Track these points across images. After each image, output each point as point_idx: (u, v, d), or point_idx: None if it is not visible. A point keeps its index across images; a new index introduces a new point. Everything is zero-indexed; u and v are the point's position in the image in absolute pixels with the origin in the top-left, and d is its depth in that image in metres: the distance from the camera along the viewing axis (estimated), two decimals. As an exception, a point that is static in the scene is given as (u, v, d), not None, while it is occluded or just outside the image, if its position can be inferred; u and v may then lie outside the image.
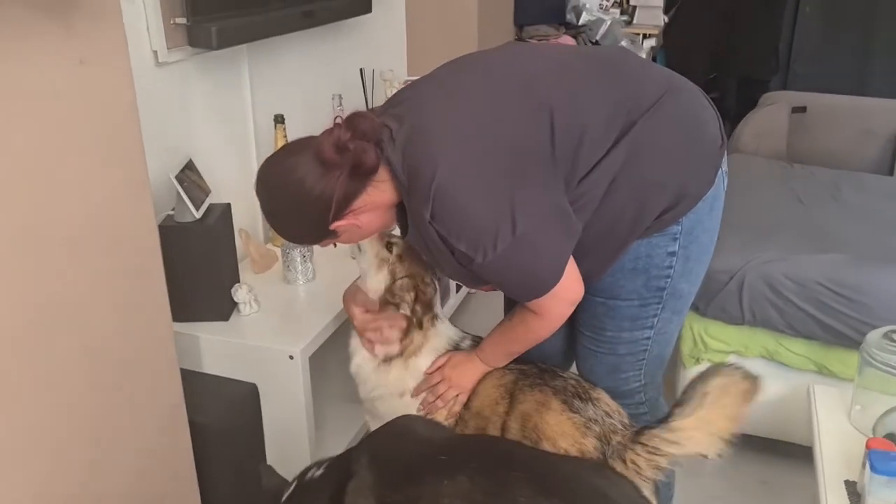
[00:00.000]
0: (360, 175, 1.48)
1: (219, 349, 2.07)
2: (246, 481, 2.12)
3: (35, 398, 1.36)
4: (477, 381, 1.74)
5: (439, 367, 1.77)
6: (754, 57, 4.89)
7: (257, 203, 2.56)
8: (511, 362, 1.76)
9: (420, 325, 1.79)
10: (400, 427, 1.52)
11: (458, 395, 1.76)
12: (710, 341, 2.35)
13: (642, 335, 1.70)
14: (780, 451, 2.47)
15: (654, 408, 1.81)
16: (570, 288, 1.52)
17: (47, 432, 1.40)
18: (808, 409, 1.81)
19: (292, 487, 1.50)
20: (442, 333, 1.84)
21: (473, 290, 2.05)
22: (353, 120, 1.49)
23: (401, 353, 1.82)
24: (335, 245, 1.64)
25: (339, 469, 1.42)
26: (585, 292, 1.57)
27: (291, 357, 1.99)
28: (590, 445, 1.57)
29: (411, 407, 1.81)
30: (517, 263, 1.47)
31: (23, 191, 1.27)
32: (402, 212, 1.57)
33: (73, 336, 1.43)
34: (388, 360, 1.83)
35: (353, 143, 1.46)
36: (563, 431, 1.63)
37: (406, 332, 1.80)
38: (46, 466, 1.41)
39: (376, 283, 1.81)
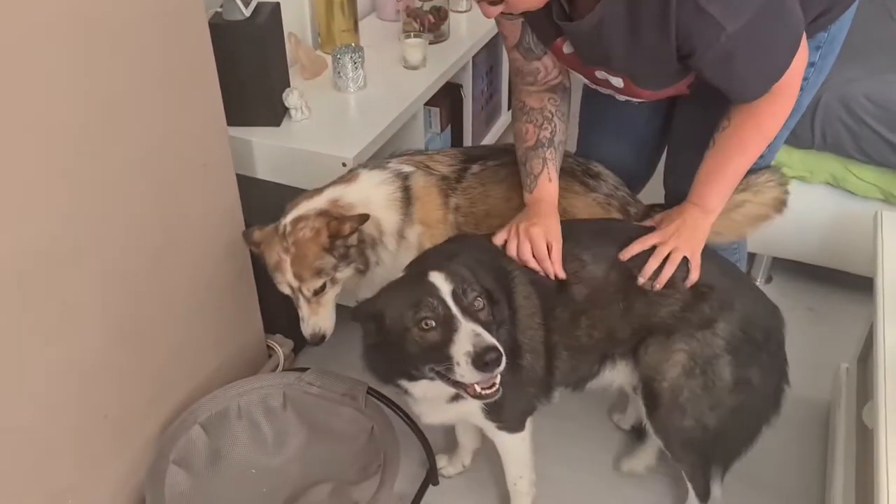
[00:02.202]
0: None
1: (272, 155, 2.06)
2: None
3: (97, 200, 1.37)
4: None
5: (659, 240, 1.48)
6: None
7: (307, 5, 2.46)
8: (500, 155, 1.74)
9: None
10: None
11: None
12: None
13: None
14: (831, 279, 2.45)
15: None
16: (802, 57, 1.37)
17: (116, 234, 1.43)
18: (872, 235, 1.75)
19: None
20: None
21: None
22: None
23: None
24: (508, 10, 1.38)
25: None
26: (712, 107, 1.50)
27: (344, 164, 1.97)
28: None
29: None
30: (765, 32, 1.29)
31: (68, -27, 1.21)
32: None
33: (131, 136, 1.41)
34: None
35: None
36: (591, 213, 1.69)
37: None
38: (115, 266, 1.45)
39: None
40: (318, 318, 1.65)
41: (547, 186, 1.59)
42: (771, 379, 1.54)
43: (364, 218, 1.59)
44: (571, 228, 1.55)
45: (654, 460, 1.90)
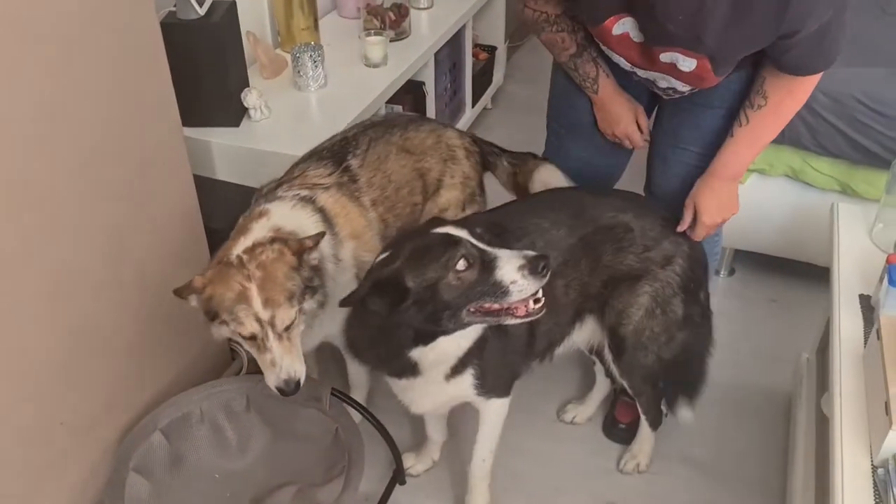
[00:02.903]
0: None
1: (231, 155, 2.03)
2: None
3: (47, 199, 1.34)
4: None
5: (692, 206, 1.65)
6: None
7: (265, 3, 2.43)
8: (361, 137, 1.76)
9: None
10: None
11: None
12: (733, 159, 2.28)
13: None
14: (792, 270, 2.48)
15: None
16: None
17: (65, 235, 1.40)
18: (829, 226, 1.78)
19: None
20: None
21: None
22: None
23: None
24: None
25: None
26: (708, 107, 1.59)
27: (305, 164, 1.95)
28: None
29: None
30: (845, 15, 1.38)
31: (10, -28, 1.18)
32: None
33: (83, 134, 1.38)
34: None
35: None
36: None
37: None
38: (65, 267, 1.42)
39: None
40: (291, 358, 1.45)
41: (607, 83, 1.71)
42: (707, 313, 1.76)
43: (321, 235, 1.49)
44: (524, 205, 1.67)
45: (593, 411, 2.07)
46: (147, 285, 1.64)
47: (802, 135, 2.15)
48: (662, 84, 1.62)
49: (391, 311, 1.32)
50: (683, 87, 1.60)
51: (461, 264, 1.28)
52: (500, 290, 1.29)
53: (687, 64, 1.48)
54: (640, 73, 1.61)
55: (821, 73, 1.50)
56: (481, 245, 1.31)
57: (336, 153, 1.74)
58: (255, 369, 2.03)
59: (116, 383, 1.62)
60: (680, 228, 1.66)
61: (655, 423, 1.89)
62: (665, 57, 1.49)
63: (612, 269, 1.63)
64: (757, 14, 1.33)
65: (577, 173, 1.86)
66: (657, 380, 1.79)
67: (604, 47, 1.62)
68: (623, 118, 1.75)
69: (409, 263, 1.31)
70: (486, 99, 3.43)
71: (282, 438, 1.73)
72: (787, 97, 1.53)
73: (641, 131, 1.79)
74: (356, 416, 1.75)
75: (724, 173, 1.64)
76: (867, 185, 2.16)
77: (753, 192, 2.22)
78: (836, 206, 1.81)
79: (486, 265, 1.29)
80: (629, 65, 1.60)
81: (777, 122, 1.58)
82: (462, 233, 1.32)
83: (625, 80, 1.72)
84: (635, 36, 1.50)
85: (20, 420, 1.40)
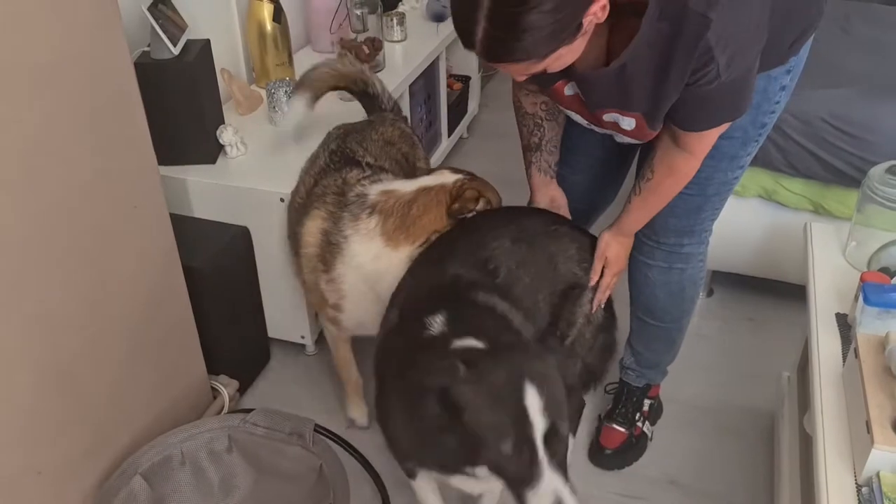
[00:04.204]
0: None
1: (208, 193, 2.03)
2: (243, 323, 2.15)
3: (22, 241, 1.33)
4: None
5: (602, 255, 1.73)
6: None
7: (239, 40, 2.44)
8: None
9: None
10: None
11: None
12: (707, 181, 2.31)
13: (734, 175, 1.67)
14: (769, 289, 2.51)
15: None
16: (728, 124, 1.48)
17: (41, 278, 1.38)
18: (803, 245, 1.80)
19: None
20: None
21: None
22: None
23: None
24: (545, 71, 1.33)
25: None
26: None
27: (282, 199, 1.96)
28: None
29: None
30: (742, 82, 1.39)
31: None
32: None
33: (59, 180, 1.38)
34: None
35: None
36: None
37: None
38: (42, 310, 1.40)
39: None
40: None
41: (535, 178, 1.81)
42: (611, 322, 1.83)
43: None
44: (473, 235, 1.65)
45: None
46: (127, 329, 1.62)
47: (774, 156, 2.19)
48: (617, 139, 1.65)
49: (438, 423, 1.20)
50: (632, 141, 1.64)
51: (505, 451, 1.15)
52: (516, 488, 1.17)
53: (627, 122, 1.52)
54: (597, 129, 1.65)
55: (702, 148, 1.50)
56: (540, 452, 1.15)
57: (346, 158, 1.90)
58: (237, 406, 2.01)
59: (95, 428, 1.59)
60: (594, 278, 1.72)
61: (574, 432, 1.88)
62: (608, 117, 1.54)
63: (566, 278, 1.67)
64: (674, 73, 1.35)
65: (569, 197, 1.86)
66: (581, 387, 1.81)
67: (562, 108, 1.66)
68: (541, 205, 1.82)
69: (472, 402, 1.16)
70: (461, 128, 3.46)
71: (266, 478, 1.71)
72: (668, 177, 1.56)
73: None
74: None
75: (626, 230, 1.73)
76: (839, 204, 2.19)
77: (728, 213, 2.21)
78: (809, 226, 1.84)
79: (525, 470, 1.15)
80: (586, 122, 1.64)
81: (662, 195, 1.62)
82: (541, 419, 1.15)
83: (589, 141, 1.77)
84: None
85: (-3, 470, 1.37)
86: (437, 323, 1.38)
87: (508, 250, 1.59)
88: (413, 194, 1.74)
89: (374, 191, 1.78)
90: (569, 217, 1.81)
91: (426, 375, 1.21)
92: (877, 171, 1.69)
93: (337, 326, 1.90)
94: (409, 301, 1.54)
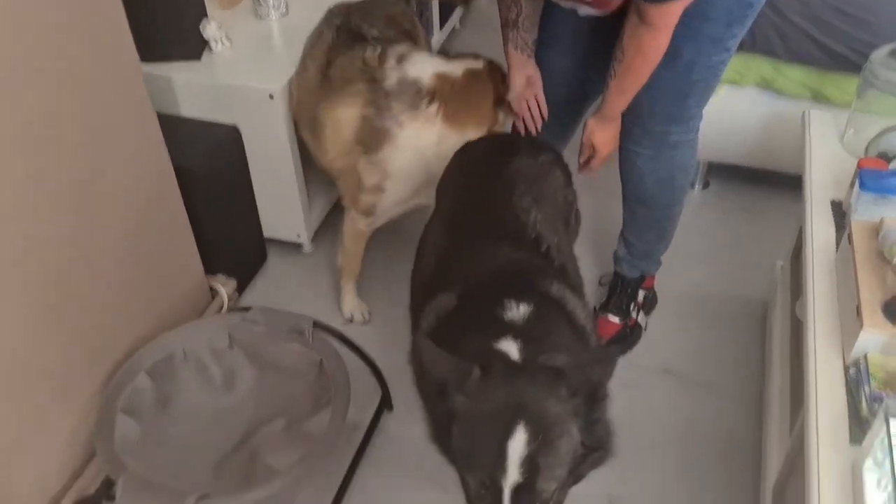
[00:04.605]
0: None
1: (195, 91, 1.97)
2: (237, 224, 2.15)
3: (6, 150, 1.30)
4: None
5: (589, 142, 1.78)
6: None
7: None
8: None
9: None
10: None
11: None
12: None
13: (719, 59, 1.64)
14: (765, 181, 2.50)
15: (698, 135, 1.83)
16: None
17: (30, 186, 1.36)
18: (801, 133, 1.78)
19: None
20: None
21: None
22: None
23: None
24: None
25: None
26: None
27: (272, 96, 1.91)
28: None
29: None
30: None
31: None
32: None
33: (40, 76, 1.34)
34: None
35: None
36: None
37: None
38: (34, 219, 1.39)
39: None
40: None
41: (512, 56, 1.81)
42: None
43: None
44: (492, 197, 1.54)
45: None
46: (120, 229, 1.62)
47: (772, 41, 2.13)
48: (581, 13, 1.64)
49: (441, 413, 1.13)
50: (594, 12, 1.62)
51: (476, 482, 1.06)
52: None
53: None
54: (563, 3, 1.63)
55: (665, 21, 1.47)
56: (506, 499, 1.02)
57: (353, 35, 1.93)
58: (235, 305, 2.03)
59: (100, 331, 1.61)
60: (582, 160, 1.80)
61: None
62: None
63: (565, 211, 1.65)
64: None
65: (556, 82, 1.84)
66: None
67: None
68: (517, 85, 1.83)
69: (463, 423, 1.08)
70: (454, 20, 3.35)
71: (267, 373, 1.75)
72: (637, 55, 1.55)
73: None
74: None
75: (609, 115, 1.72)
76: (838, 90, 2.15)
77: (725, 103, 2.20)
78: (808, 114, 1.81)
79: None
80: None
81: (636, 77, 1.61)
82: (517, 473, 1.01)
83: (571, 25, 1.74)
84: None
85: (10, 372, 1.39)
86: (516, 311, 1.23)
87: (537, 214, 1.49)
88: (463, 78, 1.83)
89: (425, 74, 1.82)
90: (542, 93, 1.83)
91: (442, 364, 1.09)
92: (878, 55, 1.65)
93: (367, 213, 1.95)
94: (470, 287, 1.34)
